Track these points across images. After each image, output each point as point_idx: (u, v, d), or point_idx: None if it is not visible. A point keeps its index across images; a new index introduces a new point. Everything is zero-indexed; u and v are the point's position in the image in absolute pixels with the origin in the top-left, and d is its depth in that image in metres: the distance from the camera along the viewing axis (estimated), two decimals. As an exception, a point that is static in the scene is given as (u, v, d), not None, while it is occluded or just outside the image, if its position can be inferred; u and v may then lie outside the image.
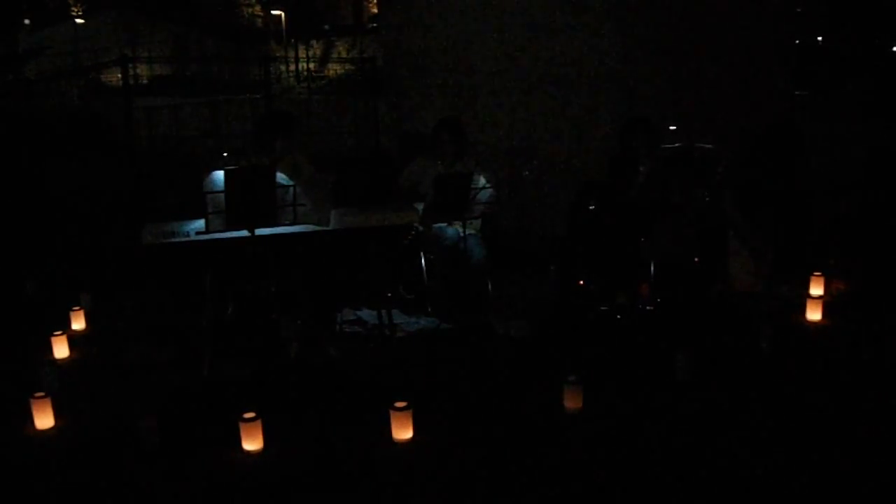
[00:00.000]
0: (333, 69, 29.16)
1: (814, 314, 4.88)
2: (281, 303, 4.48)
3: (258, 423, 3.47)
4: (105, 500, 3.22)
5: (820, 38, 23.93)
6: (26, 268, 6.16)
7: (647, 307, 5.18)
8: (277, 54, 30.00)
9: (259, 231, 4.12)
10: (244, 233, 4.10)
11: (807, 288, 5.13)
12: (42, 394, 3.80)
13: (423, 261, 5.34)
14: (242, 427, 3.47)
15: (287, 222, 4.13)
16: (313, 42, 33.01)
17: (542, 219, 6.71)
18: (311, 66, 30.81)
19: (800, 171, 5.49)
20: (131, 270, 6.03)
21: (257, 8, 37.23)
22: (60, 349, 4.64)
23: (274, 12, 35.63)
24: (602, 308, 5.18)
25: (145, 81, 22.58)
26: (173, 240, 4.16)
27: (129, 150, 10.17)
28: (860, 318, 4.93)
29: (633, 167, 5.36)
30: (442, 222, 5.34)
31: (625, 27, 6.47)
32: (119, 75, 12.53)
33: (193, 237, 4.13)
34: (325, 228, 4.34)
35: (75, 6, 33.46)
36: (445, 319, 5.10)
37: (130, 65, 13.00)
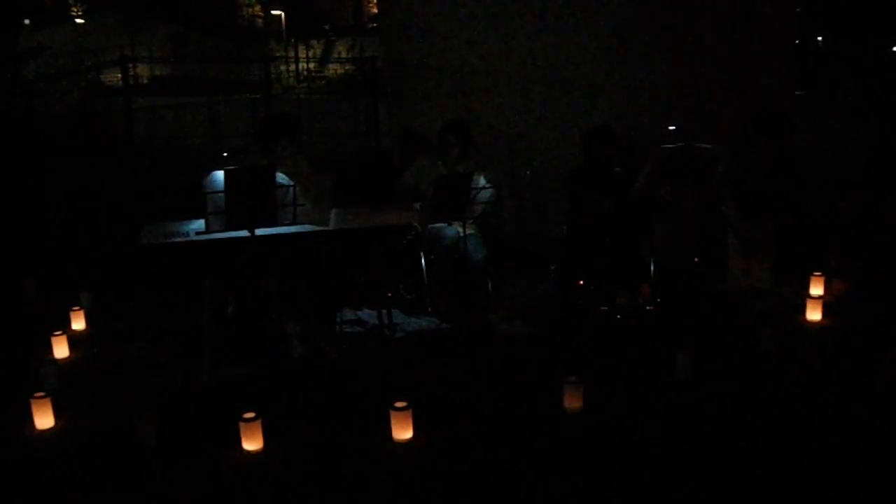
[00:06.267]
0: (333, 69, 29.14)
1: (814, 314, 4.88)
2: (281, 303, 4.48)
3: (258, 423, 3.47)
4: (105, 500, 3.22)
5: (820, 38, 23.93)
6: (26, 268, 6.16)
7: (647, 307, 5.18)
8: (277, 54, 29.97)
9: (259, 231, 4.12)
10: (244, 233, 4.11)
11: (807, 288, 5.13)
12: (42, 394, 3.80)
13: (423, 261, 5.34)
14: (242, 427, 3.47)
15: (287, 222, 4.13)
16: (313, 42, 33.00)
17: (541, 219, 6.71)
18: (311, 66, 30.80)
19: (792, 159, 5.50)
20: (131, 270, 6.03)
21: (257, 8, 37.23)
22: (60, 349, 4.64)
23: (274, 12, 35.63)
24: (602, 308, 5.19)
25: (145, 81, 22.59)
26: (173, 240, 4.16)
27: (129, 150, 10.18)
28: (860, 318, 4.93)
29: (602, 174, 5.41)
30: (442, 222, 5.34)
31: (624, 28, 6.47)
32: (119, 75, 12.53)
33: (193, 237, 4.13)
34: (325, 228, 4.34)
35: (75, 6, 33.44)
36: (445, 319, 5.10)
37: (130, 65, 13.01)
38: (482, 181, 5.24)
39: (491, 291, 5.27)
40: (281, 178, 4.15)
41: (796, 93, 8.40)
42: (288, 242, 4.35)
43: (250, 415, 3.48)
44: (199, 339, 4.43)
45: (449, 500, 3.13)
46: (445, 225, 5.39)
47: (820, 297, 4.99)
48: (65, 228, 7.33)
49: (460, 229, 5.26)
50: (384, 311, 4.85)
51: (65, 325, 5.00)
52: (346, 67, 27.27)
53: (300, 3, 35.47)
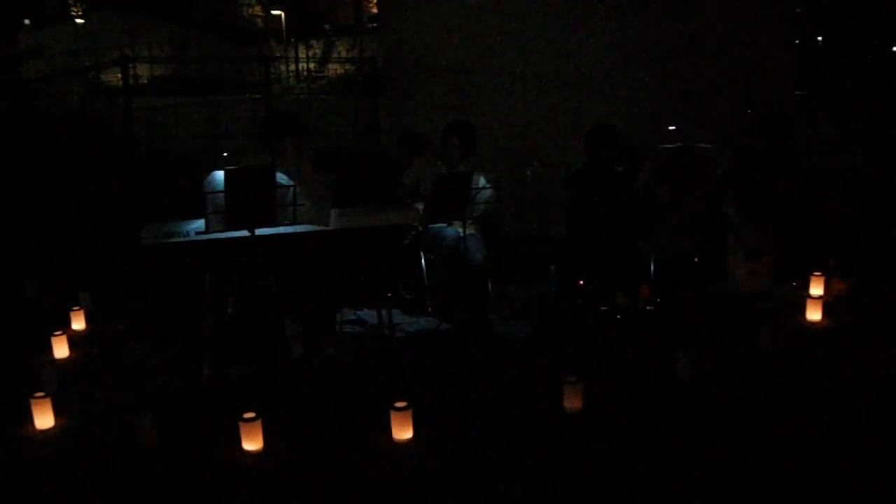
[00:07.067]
0: (333, 69, 29.13)
1: (814, 314, 4.88)
2: (281, 303, 4.48)
3: (258, 423, 3.47)
4: (105, 500, 3.22)
5: (820, 38, 23.93)
6: (26, 268, 6.16)
7: (647, 307, 5.18)
8: (277, 54, 29.95)
9: (259, 231, 4.12)
10: (244, 233, 4.10)
11: (807, 288, 5.13)
12: (42, 394, 3.80)
13: (423, 261, 5.34)
14: (242, 427, 3.47)
15: (287, 222, 4.13)
16: (313, 42, 33.02)
17: (541, 219, 6.71)
18: (311, 66, 30.80)
19: (793, 159, 5.50)
20: (131, 270, 6.03)
21: (257, 8, 37.21)
22: (60, 349, 4.64)
23: (274, 12, 35.60)
24: (602, 308, 5.19)
25: (145, 81, 22.57)
26: (173, 240, 4.16)
27: (129, 150, 10.18)
28: (860, 318, 4.93)
29: (605, 171, 5.41)
30: (442, 222, 5.34)
31: (625, 28, 6.47)
32: (119, 75, 12.54)
33: (193, 237, 4.13)
34: (325, 228, 4.34)
35: (75, 6, 33.42)
36: (445, 319, 5.10)
37: (130, 65, 13.02)
38: (482, 181, 5.24)
39: (491, 291, 5.27)
40: (281, 178, 4.15)
41: (796, 93, 8.40)
42: (288, 242, 4.35)
43: (250, 415, 3.48)
44: (199, 339, 4.43)
45: (449, 500, 3.13)
46: (445, 225, 5.39)
47: (820, 297, 4.99)
48: (65, 228, 7.32)
49: (460, 229, 5.26)
50: (384, 311, 4.85)
51: (65, 325, 5.00)
52: (346, 67, 27.26)
53: (300, 3, 35.44)
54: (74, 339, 4.84)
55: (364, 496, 3.17)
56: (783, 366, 4.26)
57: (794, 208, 5.44)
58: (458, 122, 5.65)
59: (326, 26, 35.48)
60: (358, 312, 5.23)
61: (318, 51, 32.87)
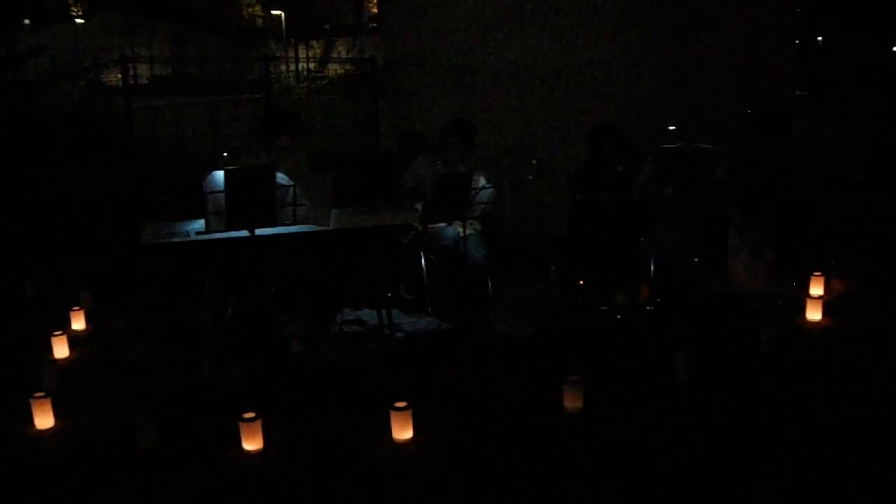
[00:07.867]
0: (333, 69, 29.16)
1: (814, 314, 4.88)
2: (281, 303, 4.48)
3: (258, 423, 3.47)
4: (105, 500, 3.22)
5: (820, 38, 23.94)
6: (26, 268, 6.16)
7: (647, 307, 5.18)
8: (277, 54, 29.97)
9: (259, 231, 4.12)
10: (244, 233, 4.11)
11: (807, 288, 5.13)
12: (42, 394, 3.80)
13: (423, 261, 5.34)
14: (242, 427, 3.47)
15: (287, 222, 4.13)
16: (313, 42, 33.05)
17: (542, 219, 6.71)
18: (311, 66, 30.83)
19: (791, 157, 5.50)
20: (131, 270, 6.03)
21: (257, 8, 37.24)
22: (60, 349, 4.64)
23: (274, 12, 35.62)
24: (602, 308, 5.19)
25: (145, 81, 22.59)
26: (173, 240, 4.16)
27: (129, 150, 10.20)
28: (860, 318, 4.93)
29: (607, 170, 5.41)
30: (442, 222, 5.34)
31: (625, 28, 6.47)
32: (119, 75, 12.54)
33: (193, 237, 4.13)
34: (325, 228, 4.34)
35: (75, 6, 33.45)
36: (445, 319, 5.10)
37: (130, 65, 13.02)
38: (482, 181, 5.24)
39: (491, 291, 5.27)
40: (281, 178, 4.15)
41: (796, 93, 8.40)
42: (288, 242, 4.35)
43: (250, 415, 3.48)
44: (199, 339, 4.43)
45: (449, 501, 3.13)
46: (445, 225, 5.39)
47: (820, 297, 4.99)
48: (65, 228, 7.33)
49: (460, 229, 5.25)
50: (384, 311, 4.85)
51: (65, 325, 5.00)
52: (346, 67, 27.29)
53: (300, 3, 35.46)
54: (74, 339, 4.84)
55: (364, 496, 3.17)
56: (783, 366, 4.26)
57: (793, 207, 5.44)
58: (457, 120, 5.64)
59: (326, 26, 35.50)
60: (358, 312, 5.23)
61: (318, 51, 32.89)
